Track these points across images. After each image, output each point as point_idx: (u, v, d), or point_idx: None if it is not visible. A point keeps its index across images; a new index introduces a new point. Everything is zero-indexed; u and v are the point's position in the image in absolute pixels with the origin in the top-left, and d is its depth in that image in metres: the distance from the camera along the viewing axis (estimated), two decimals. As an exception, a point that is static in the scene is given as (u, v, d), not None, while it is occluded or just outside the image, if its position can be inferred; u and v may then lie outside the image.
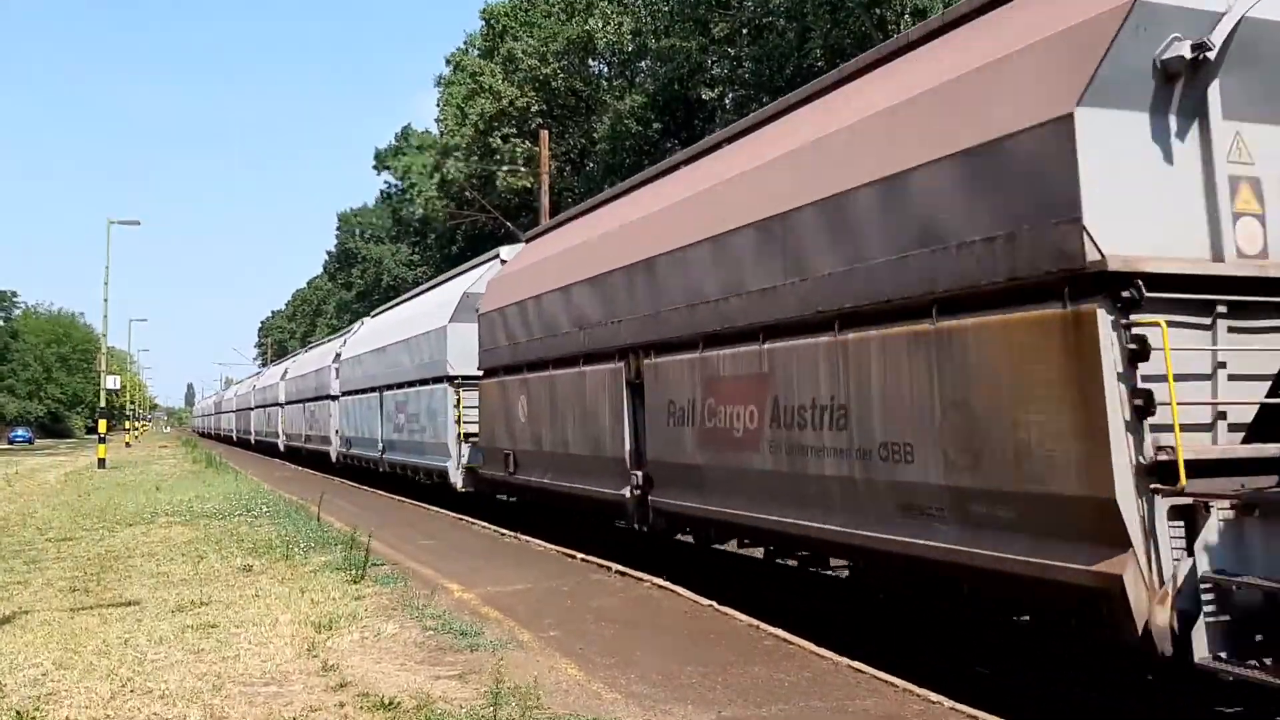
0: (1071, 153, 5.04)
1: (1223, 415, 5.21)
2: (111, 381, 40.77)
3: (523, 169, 37.39)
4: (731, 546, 9.76)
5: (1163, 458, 4.85)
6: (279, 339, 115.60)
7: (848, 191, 6.79)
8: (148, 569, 10.50)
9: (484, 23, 43.53)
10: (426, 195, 47.23)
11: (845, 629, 7.64)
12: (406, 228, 56.84)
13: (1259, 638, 4.64)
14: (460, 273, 19.61)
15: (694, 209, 9.27)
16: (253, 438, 51.23)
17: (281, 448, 39.42)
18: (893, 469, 6.36)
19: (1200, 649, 4.60)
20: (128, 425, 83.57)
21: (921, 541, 6.12)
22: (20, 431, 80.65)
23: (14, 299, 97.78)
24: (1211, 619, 4.64)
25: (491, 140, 39.68)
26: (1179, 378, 4.96)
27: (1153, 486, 4.87)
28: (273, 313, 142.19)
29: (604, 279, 10.80)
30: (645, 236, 10.07)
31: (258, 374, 63.69)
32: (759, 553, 9.53)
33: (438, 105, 49.41)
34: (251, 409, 52.19)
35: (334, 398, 28.18)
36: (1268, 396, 5.24)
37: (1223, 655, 4.60)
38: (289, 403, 37.83)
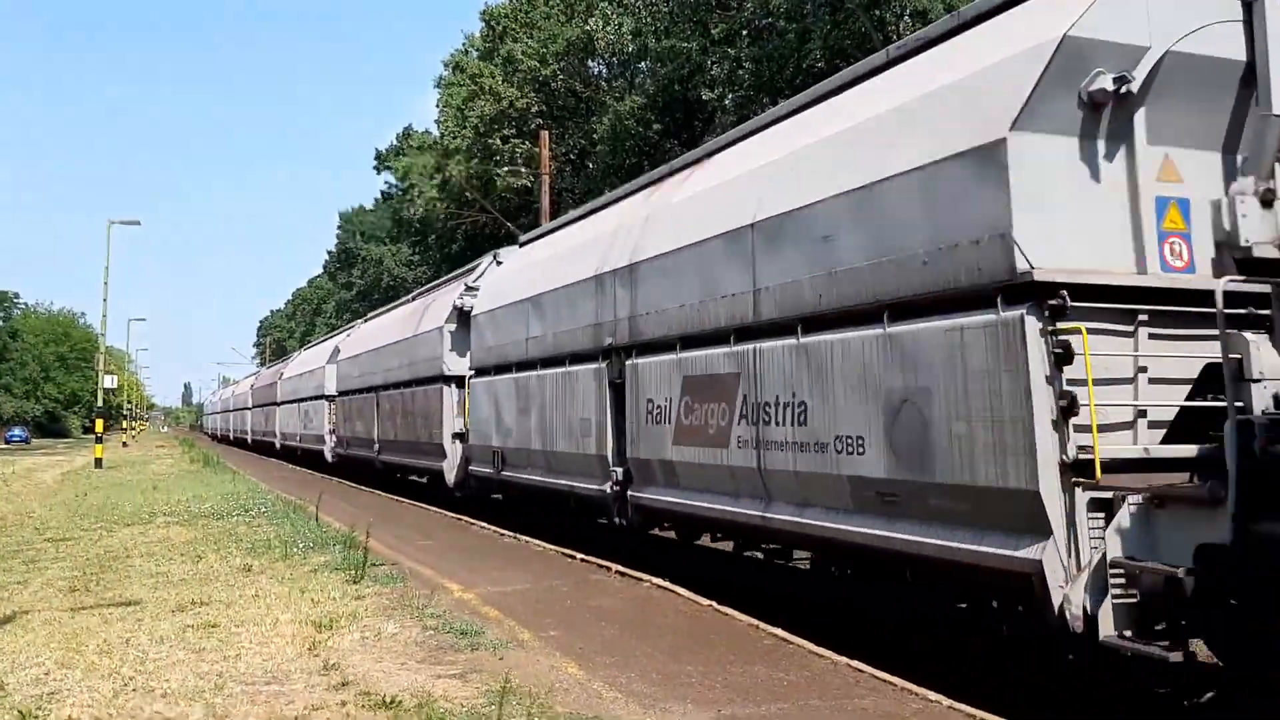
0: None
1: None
2: (109, 381, 40.74)
3: (523, 169, 37.41)
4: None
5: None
6: (278, 338, 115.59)
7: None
8: (147, 569, 10.50)
9: (484, 24, 43.55)
10: (427, 196, 47.20)
11: (846, 628, 7.67)
12: (406, 228, 56.79)
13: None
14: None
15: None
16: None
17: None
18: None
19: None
20: (125, 425, 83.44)
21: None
22: (16, 431, 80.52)
23: (14, 299, 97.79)
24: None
25: (491, 141, 39.68)
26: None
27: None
28: (272, 312, 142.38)
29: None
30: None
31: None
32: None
33: (437, 106, 49.45)
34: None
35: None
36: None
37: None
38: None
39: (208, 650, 6.81)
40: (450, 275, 21.09)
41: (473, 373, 15.57)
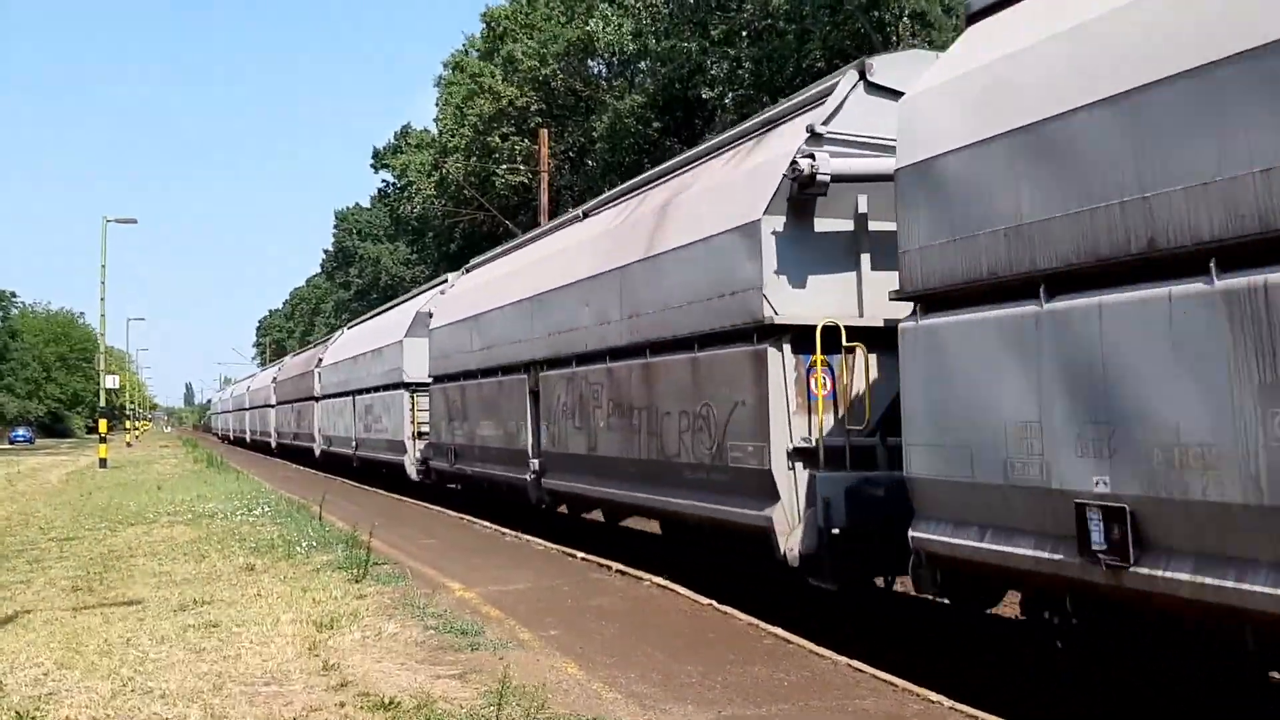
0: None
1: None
2: (111, 381, 40.77)
3: (521, 167, 37.42)
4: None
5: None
6: (277, 338, 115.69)
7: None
8: (150, 568, 10.51)
9: (484, 25, 43.58)
10: (425, 194, 47.23)
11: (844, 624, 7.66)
12: (404, 226, 56.75)
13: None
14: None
15: None
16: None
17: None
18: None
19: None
20: (128, 425, 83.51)
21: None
22: (21, 431, 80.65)
23: (13, 299, 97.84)
24: None
25: (490, 139, 39.70)
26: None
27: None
28: (271, 312, 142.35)
29: None
30: None
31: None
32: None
33: (436, 105, 49.51)
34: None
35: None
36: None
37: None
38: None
39: (208, 650, 6.81)
40: (742, 129, 9.94)
41: (913, 309, 6.41)
